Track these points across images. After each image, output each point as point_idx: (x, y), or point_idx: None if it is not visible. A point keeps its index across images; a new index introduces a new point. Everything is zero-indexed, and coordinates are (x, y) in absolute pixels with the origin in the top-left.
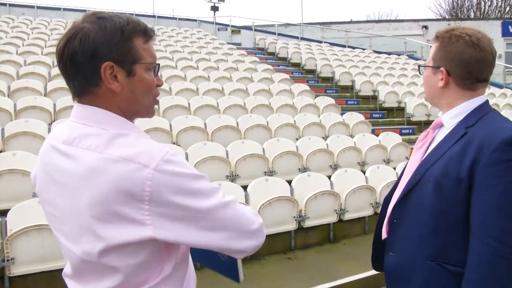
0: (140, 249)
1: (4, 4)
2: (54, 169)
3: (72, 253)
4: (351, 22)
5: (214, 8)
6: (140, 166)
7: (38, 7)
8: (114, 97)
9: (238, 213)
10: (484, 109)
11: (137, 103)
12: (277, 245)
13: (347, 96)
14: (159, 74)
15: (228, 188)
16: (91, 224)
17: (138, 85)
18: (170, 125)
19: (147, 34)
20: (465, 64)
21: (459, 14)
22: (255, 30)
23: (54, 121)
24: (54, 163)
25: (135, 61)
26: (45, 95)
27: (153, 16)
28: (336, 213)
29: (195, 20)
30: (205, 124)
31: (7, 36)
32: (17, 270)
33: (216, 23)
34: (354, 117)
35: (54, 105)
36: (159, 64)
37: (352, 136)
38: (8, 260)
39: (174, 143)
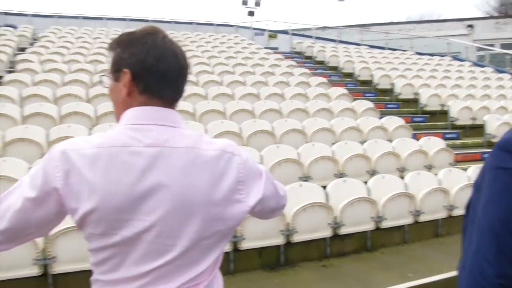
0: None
1: (52, 16)
2: (148, 174)
3: (170, 247)
4: (391, 23)
5: (251, 13)
6: (231, 155)
7: (83, 18)
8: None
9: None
10: None
11: None
12: (312, 252)
13: (386, 100)
14: None
15: None
16: (212, 210)
17: None
18: (206, 130)
19: None
20: None
21: (508, 12)
22: (292, 34)
23: (94, 126)
24: (144, 170)
25: None
26: (87, 101)
27: (191, 23)
28: (373, 220)
29: (232, 26)
30: (240, 128)
31: (54, 45)
32: (58, 268)
33: (253, 28)
34: (394, 121)
35: (95, 110)
36: None
37: (390, 140)
38: (50, 258)
39: None
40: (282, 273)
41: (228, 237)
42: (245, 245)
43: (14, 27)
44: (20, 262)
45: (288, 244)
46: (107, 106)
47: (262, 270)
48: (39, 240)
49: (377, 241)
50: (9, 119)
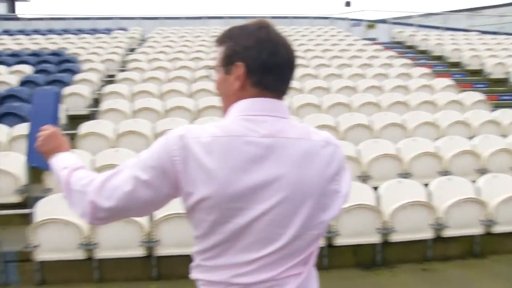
0: None
1: (158, 18)
2: (264, 163)
3: (279, 236)
4: (507, 4)
5: (347, 4)
6: (335, 146)
7: (186, 18)
8: None
9: None
10: None
11: None
12: (411, 254)
13: (500, 91)
14: None
15: (358, 189)
16: (320, 200)
17: None
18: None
19: None
20: None
21: None
22: (392, 23)
23: (195, 119)
24: (261, 159)
25: None
26: (189, 96)
27: (286, 17)
28: (483, 224)
29: (328, 18)
30: (336, 122)
31: (159, 45)
32: (162, 251)
33: (350, 19)
34: (509, 115)
35: (196, 105)
36: None
37: (505, 136)
38: (154, 241)
39: None
40: (377, 273)
41: (326, 229)
42: (339, 241)
43: (125, 30)
44: (128, 243)
45: (385, 243)
46: (207, 100)
47: (357, 268)
48: (145, 224)
49: (487, 247)
50: (121, 114)
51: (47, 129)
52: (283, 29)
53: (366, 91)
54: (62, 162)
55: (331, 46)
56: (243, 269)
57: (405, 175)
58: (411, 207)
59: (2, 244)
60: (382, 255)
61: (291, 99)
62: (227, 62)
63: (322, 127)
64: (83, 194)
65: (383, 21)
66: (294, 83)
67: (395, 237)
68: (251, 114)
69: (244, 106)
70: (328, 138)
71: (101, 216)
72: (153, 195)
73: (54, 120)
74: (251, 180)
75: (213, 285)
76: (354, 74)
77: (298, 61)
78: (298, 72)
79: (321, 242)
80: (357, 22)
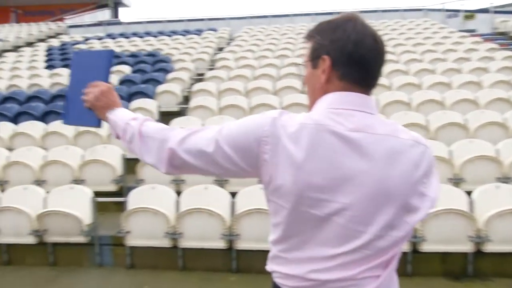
0: None
1: (245, 17)
2: (350, 156)
3: (359, 234)
4: None
5: None
6: (425, 147)
7: (272, 16)
8: None
9: None
10: None
11: None
12: (509, 267)
13: None
14: None
15: (449, 192)
16: (406, 201)
17: None
18: None
19: None
20: None
21: None
22: (494, 11)
23: None
24: (347, 152)
25: None
26: (273, 94)
27: (376, 11)
28: None
29: (421, 10)
30: (427, 120)
31: (246, 44)
32: (241, 244)
33: (445, 10)
34: None
35: (281, 102)
36: None
37: None
38: (235, 235)
39: None
40: (468, 285)
41: (410, 232)
42: (426, 247)
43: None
44: (210, 235)
45: (479, 253)
46: (292, 97)
47: (444, 278)
48: (227, 218)
49: None
50: (208, 110)
51: (100, 85)
52: (372, 23)
53: (462, 87)
54: (126, 115)
55: (423, 40)
56: (321, 264)
57: (505, 179)
58: (510, 215)
59: (99, 228)
60: (475, 265)
61: (378, 96)
62: (314, 56)
63: (411, 125)
64: (161, 141)
65: (483, 11)
66: (381, 80)
67: (490, 247)
68: (339, 108)
69: (332, 100)
70: (418, 138)
71: (176, 163)
72: (229, 165)
73: (106, 79)
74: (336, 172)
75: (288, 279)
76: (449, 69)
77: (387, 57)
78: (386, 68)
79: (405, 247)
80: (453, 13)
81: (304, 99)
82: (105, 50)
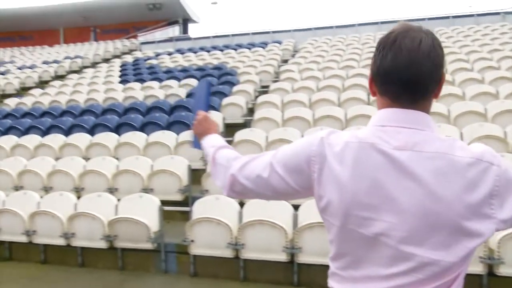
0: None
1: (310, 29)
2: (393, 175)
3: (409, 256)
4: None
5: None
6: (489, 165)
7: (337, 27)
8: (430, 105)
9: None
10: None
11: None
12: None
13: None
14: None
15: None
16: (460, 223)
17: None
18: (461, 134)
19: None
20: None
21: None
22: None
23: (344, 128)
24: (390, 170)
25: None
26: (338, 105)
27: (447, 17)
28: None
29: (498, 13)
30: (505, 133)
31: (311, 55)
32: (303, 258)
33: None
34: None
35: (346, 114)
36: None
37: None
38: (296, 248)
39: None
40: None
41: (471, 256)
42: (503, 270)
43: (279, 42)
44: (272, 247)
45: None
46: (357, 109)
47: None
48: (289, 230)
49: None
50: (272, 122)
51: (200, 114)
52: (442, 31)
53: None
54: (211, 142)
55: (500, 46)
56: (375, 285)
57: None
58: None
59: (165, 236)
60: None
61: (450, 106)
62: (371, 69)
63: (486, 138)
64: (226, 168)
65: None
66: (453, 89)
67: None
68: (384, 125)
69: (380, 117)
70: (481, 155)
71: (237, 189)
72: (284, 187)
73: (206, 106)
74: (377, 190)
75: None
76: None
77: (458, 65)
78: (458, 77)
79: (480, 269)
80: None
81: (369, 110)
82: (203, 80)
